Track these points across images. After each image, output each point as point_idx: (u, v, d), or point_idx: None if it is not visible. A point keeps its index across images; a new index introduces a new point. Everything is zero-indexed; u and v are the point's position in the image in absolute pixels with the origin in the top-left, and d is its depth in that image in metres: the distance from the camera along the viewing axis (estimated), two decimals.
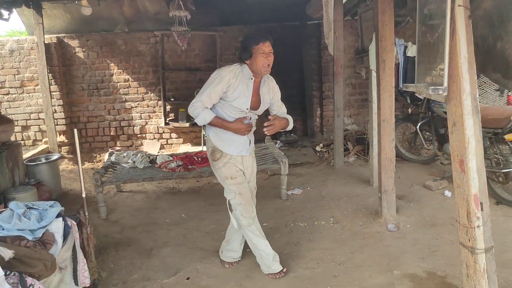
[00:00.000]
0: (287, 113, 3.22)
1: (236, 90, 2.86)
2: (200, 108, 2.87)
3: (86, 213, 2.96)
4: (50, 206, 2.70)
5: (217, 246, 3.65)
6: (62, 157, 6.85)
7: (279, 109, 3.18)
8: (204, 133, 6.89)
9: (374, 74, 4.62)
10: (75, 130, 2.92)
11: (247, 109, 2.94)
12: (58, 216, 2.61)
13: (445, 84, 2.17)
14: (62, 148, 7.24)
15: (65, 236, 2.55)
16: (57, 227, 2.52)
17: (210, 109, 2.93)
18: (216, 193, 5.20)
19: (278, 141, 7.22)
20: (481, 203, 2.30)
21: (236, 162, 3.05)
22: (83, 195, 3.09)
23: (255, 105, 3.00)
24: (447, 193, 4.56)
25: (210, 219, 4.35)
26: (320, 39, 7.34)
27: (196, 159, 5.21)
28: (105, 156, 6.77)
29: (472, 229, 2.32)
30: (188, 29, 5.41)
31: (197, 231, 4.09)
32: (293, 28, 7.51)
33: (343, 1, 5.36)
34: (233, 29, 7.43)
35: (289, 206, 4.61)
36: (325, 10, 4.67)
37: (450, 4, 2.06)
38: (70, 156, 7.24)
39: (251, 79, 2.91)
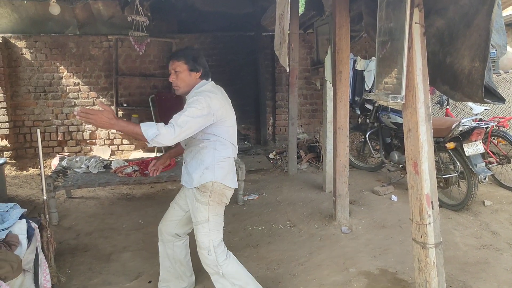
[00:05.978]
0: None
1: None
2: None
3: (47, 216, 2.88)
4: (10, 208, 2.61)
5: None
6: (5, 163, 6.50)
7: None
8: None
9: (328, 85, 4.87)
10: (38, 130, 2.84)
11: None
12: (21, 217, 2.53)
13: (403, 93, 2.39)
14: (4, 153, 6.88)
15: (29, 238, 2.48)
16: (20, 228, 2.45)
17: None
18: (171, 199, 5.16)
19: None
20: (432, 202, 2.53)
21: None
22: (45, 197, 3.00)
23: None
24: (394, 197, 4.87)
25: None
26: (274, 50, 7.55)
27: None
28: (53, 161, 6.51)
29: (424, 226, 2.54)
30: (146, 35, 5.40)
31: (156, 236, 3.98)
32: (249, 38, 7.68)
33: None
34: (190, 37, 7.48)
35: (246, 211, 4.71)
36: (278, 22, 4.83)
37: (408, 21, 2.29)
38: (13, 161, 6.89)
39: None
